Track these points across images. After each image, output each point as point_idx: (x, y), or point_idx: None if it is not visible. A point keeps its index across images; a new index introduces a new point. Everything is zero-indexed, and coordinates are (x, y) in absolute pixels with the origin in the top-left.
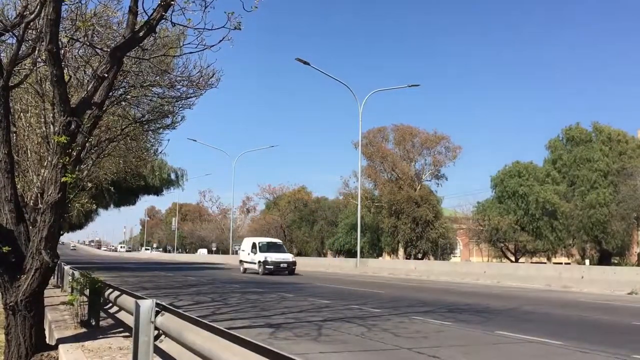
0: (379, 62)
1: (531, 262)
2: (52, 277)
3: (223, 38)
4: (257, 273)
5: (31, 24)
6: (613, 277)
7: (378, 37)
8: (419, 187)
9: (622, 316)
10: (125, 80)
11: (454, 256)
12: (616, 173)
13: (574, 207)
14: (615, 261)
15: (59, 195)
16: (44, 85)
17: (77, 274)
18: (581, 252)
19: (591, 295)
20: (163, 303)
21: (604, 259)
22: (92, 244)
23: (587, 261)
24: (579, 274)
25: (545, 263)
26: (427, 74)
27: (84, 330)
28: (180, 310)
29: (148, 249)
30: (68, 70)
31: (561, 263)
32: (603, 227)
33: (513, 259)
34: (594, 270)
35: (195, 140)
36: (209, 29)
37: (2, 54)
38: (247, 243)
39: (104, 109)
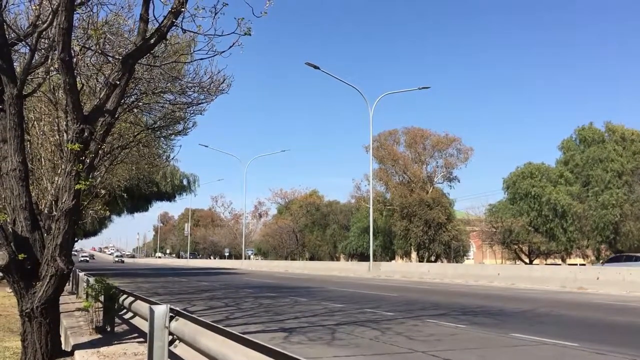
0: (389, 64)
1: (545, 264)
2: (67, 284)
3: (233, 44)
4: None
5: (44, 33)
6: (629, 278)
7: (388, 40)
8: (430, 190)
9: (638, 317)
10: (137, 87)
11: (467, 258)
12: (630, 173)
13: (587, 208)
14: None
15: (73, 202)
16: (57, 94)
17: (92, 280)
18: (596, 253)
19: (607, 297)
20: (177, 308)
21: None
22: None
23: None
24: (594, 275)
25: (560, 264)
26: (438, 75)
27: (99, 336)
28: (194, 315)
29: (129, 254)
30: (80, 78)
31: (576, 264)
32: (617, 227)
33: (527, 260)
34: (610, 271)
35: (206, 146)
36: (220, 35)
37: (15, 63)
38: None
39: (116, 116)
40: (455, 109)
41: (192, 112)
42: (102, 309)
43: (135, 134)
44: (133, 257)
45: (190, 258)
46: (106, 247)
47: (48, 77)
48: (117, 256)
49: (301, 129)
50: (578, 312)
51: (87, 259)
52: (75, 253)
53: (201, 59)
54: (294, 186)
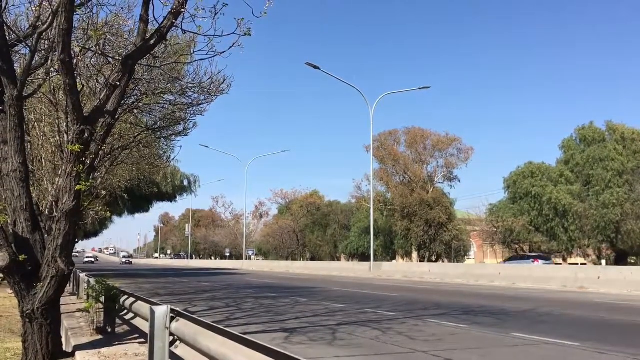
0: (389, 64)
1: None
2: (68, 285)
3: (233, 44)
4: None
5: (44, 34)
6: (630, 277)
7: (388, 40)
8: (431, 190)
9: (639, 317)
10: (137, 88)
11: (468, 258)
12: (631, 172)
13: (588, 207)
14: (632, 261)
15: (74, 203)
16: (57, 95)
17: (92, 281)
18: (597, 252)
19: (608, 296)
20: (178, 309)
21: (620, 259)
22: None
23: (603, 261)
24: (595, 274)
25: (560, 264)
26: (438, 75)
27: (100, 337)
28: (194, 316)
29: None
30: (81, 79)
31: (577, 264)
32: (618, 226)
33: None
34: (611, 270)
35: (207, 147)
36: (219, 36)
37: (15, 65)
38: None
39: (116, 117)
40: (455, 108)
41: (192, 112)
42: (102, 309)
43: (136, 134)
44: (131, 257)
45: (188, 259)
46: (106, 248)
47: (48, 78)
48: (124, 257)
49: (301, 129)
50: (579, 312)
51: (92, 260)
52: (78, 254)
53: (201, 59)
54: (295, 186)
